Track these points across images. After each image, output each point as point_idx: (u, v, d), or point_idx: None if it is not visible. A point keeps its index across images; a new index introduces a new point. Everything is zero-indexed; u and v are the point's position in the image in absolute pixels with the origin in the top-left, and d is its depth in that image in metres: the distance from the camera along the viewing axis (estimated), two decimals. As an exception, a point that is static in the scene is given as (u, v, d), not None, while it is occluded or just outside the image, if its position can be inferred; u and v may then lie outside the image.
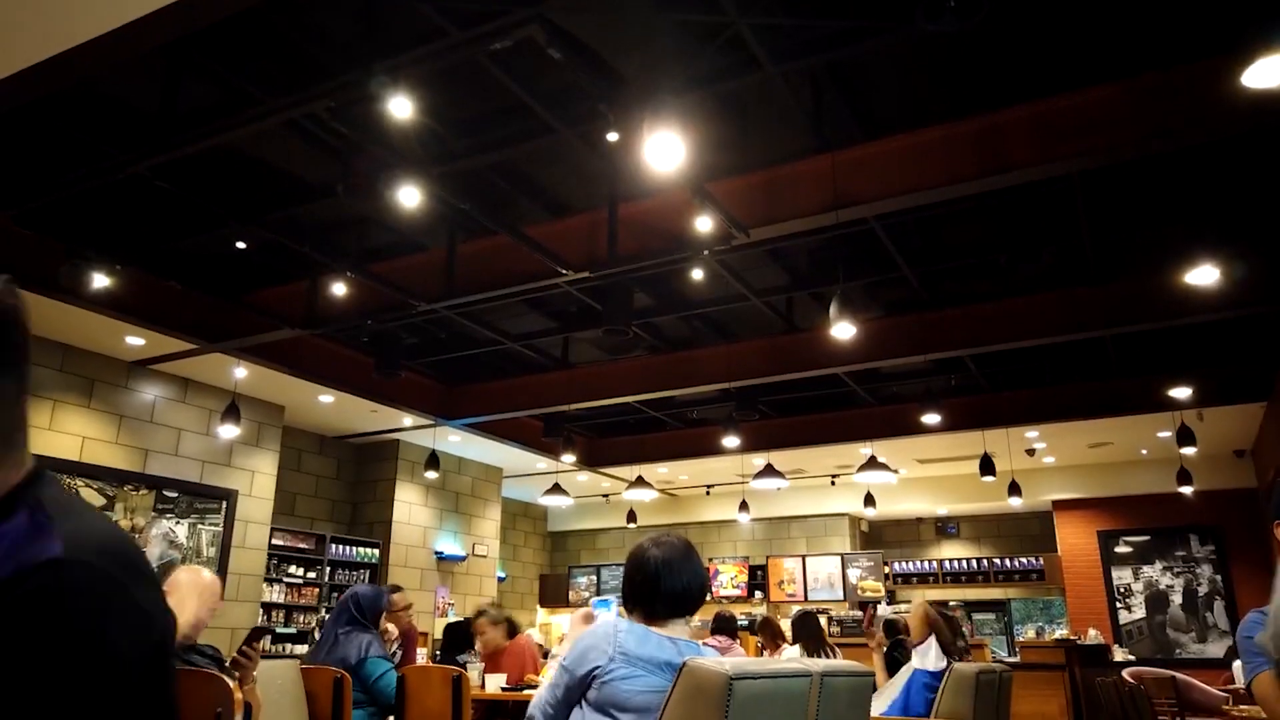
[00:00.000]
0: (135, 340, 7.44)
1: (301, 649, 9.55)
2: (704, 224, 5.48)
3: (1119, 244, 6.55)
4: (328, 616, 5.08)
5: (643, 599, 2.28)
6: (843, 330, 5.51)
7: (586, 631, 2.25)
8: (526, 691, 5.07)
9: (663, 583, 2.26)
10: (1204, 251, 5.52)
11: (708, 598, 13.67)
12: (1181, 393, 8.47)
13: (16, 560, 0.76)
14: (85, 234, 6.01)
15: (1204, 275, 5.67)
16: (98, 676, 0.76)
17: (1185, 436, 8.71)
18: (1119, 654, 10.49)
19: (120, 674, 0.77)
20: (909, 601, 12.86)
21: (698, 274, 6.88)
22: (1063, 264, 6.92)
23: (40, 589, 0.75)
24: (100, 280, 5.92)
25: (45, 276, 6.16)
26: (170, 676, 0.82)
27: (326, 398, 9.17)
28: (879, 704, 4.68)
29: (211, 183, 5.69)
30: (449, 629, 6.22)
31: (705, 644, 6.61)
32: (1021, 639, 11.93)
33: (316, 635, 9.37)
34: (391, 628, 4.93)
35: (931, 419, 8.66)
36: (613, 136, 5.01)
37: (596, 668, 2.12)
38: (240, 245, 6.59)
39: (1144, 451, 11.11)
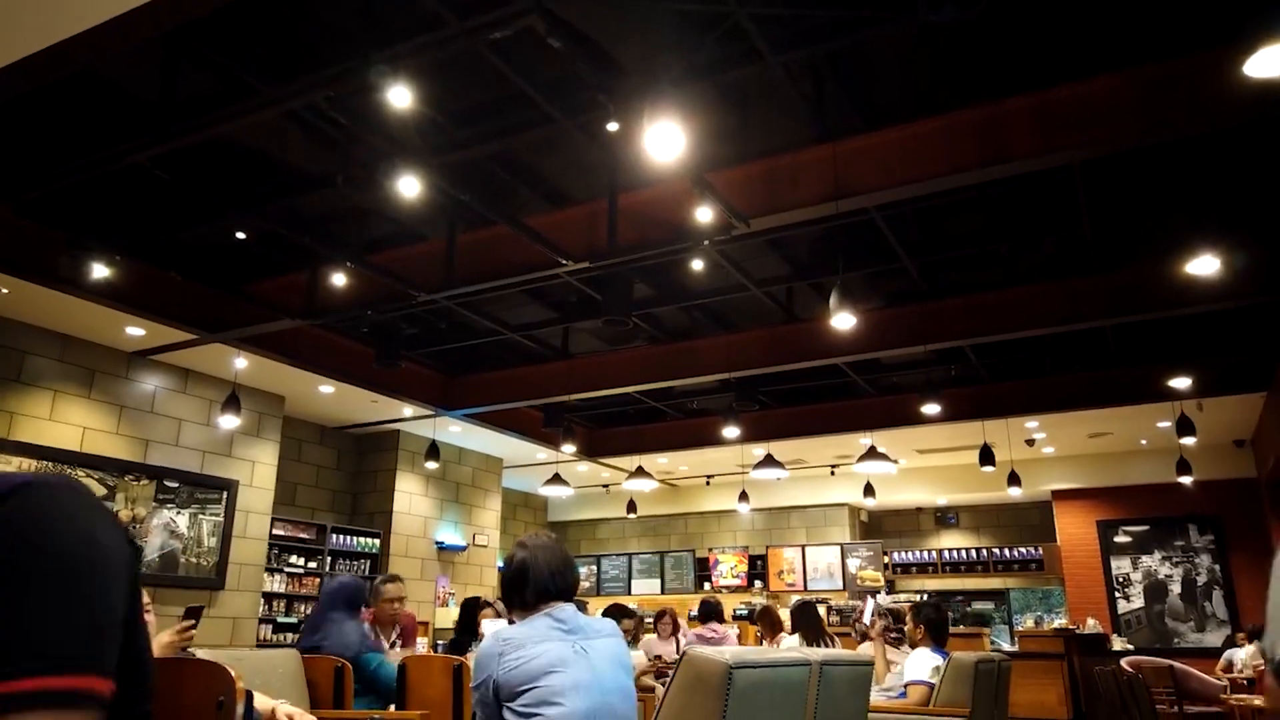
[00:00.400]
0: (135, 331, 7.44)
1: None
2: (704, 214, 5.48)
3: (1120, 234, 6.55)
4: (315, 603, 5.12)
5: (520, 593, 2.39)
6: (843, 320, 5.51)
7: (475, 656, 2.35)
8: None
9: (535, 575, 2.38)
10: (1205, 241, 5.51)
11: (706, 586, 13.73)
12: (1181, 383, 8.47)
13: None
14: (85, 224, 6.00)
15: (1205, 265, 5.68)
16: (95, 566, 0.82)
17: (1185, 426, 8.72)
18: (1117, 643, 10.53)
19: (113, 565, 0.84)
20: (909, 592, 12.92)
21: (698, 264, 6.87)
22: (1063, 254, 6.92)
23: (25, 500, 0.81)
24: (100, 271, 5.91)
25: (45, 267, 6.16)
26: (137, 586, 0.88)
27: (327, 388, 9.18)
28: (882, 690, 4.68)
29: (211, 173, 5.68)
30: (465, 604, 6.23)
31: (697, 634, 6.64)
32: (1020, 628, 11.98)
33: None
34: (387, 611, 4.94)
35: (931, 409, 8.67)
36: (613, 126, 5.00)
37: (490, 671, 2.21)
38: (240, 236, 6.59)
39: (1143, 441, 11.13)
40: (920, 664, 4.61)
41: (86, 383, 7.72)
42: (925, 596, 13.09)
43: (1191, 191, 5.88)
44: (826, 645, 5.88)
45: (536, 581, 2.38)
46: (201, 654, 1.24)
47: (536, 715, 2.12)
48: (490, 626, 3.84)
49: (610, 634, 2.40)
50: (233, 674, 1.21)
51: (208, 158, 5.51)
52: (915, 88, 5.23)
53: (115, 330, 7.45)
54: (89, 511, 0.86)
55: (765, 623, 6.73)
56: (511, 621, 2.52)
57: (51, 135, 5.23)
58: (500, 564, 12.60)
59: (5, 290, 6.59)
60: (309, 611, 10.01)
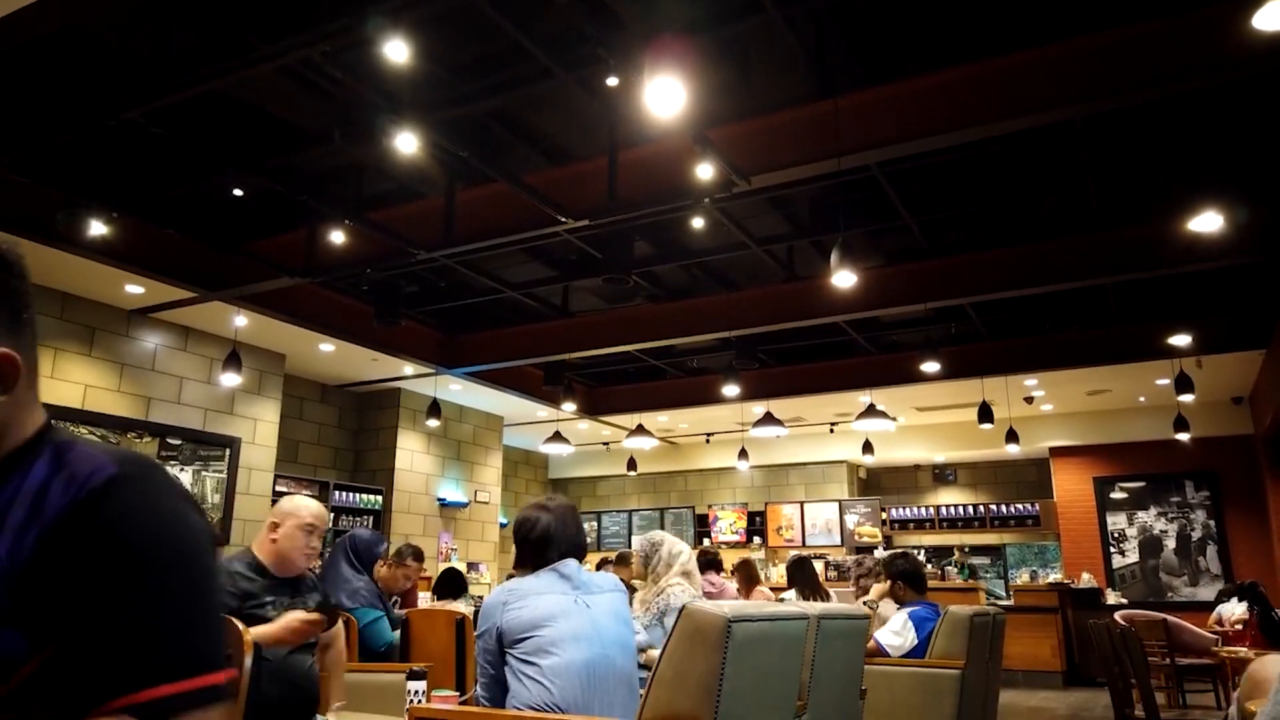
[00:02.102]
0: (134, 289, 7.43)
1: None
2: (704, 171, 5.43)
3: (1122, 191, 6.51)
4: (325, 555, 5.17)
5: (532, 553, 2.46)
6: (844, 279, 5.50)
7: (484, 603, 2.46)
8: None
9: (548, 539, 2.46)
10: (1207, 199, 5.47)
11: (705, 543, 13.86)
12: (1181, 340, 8.48)
13: (75, 487, 0.86)
14: (81, 181, 5.96)
15: (1207, 222, 5.64)
16: (203, 560, 0.88)
17: (1183, 384, 8.74)
18: (1111, 597, 10.67)
19: (210, 552, 0.90)
20: (906, 547, 13.05)
21: (698, 222, 6.84)
22: (1065, 211, 6.88)
23: (127, 499, 0.86)
24: (97, 228, 5.88)
25: (42, 224, 6.13)
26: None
27: (327, 346, 9.19)
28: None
29: (206, 129, 5.62)
30: (443, 576, 6.34)
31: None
32: (1016, 583, 12.13)
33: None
34: (400, 581, 5.00)
35: (931, 367, 8.69)
36: (613, 81, 4.94)
37: (495, 620, 2.28)
38: (237, 192, 6.55)
39: (1142, 399, 11.17)
40: (893, 625, 4.65)
41: (87, 340, 7.73)
42: (921, 552, 13.26)
43: (1195, 149, 5.83)
44: (822, 600, 5.96)
45: (559, 544, 2.45)
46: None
47: (534, 663, 2.17)
48: None
49: (612, 589, 2.44)
50: (240, 628, 1.23)
51: (203, 114, 5.45)
52: (919, 42, 5.16)
53: (114, 288, 7.43)
54: (181, 501, 0.91)
55: (742, 575, 6.78)
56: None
57: (45, 91, 5.17)
58: (503, 520, 12.75)
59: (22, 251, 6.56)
60: (316, 568, 10.12)
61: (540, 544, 2.46)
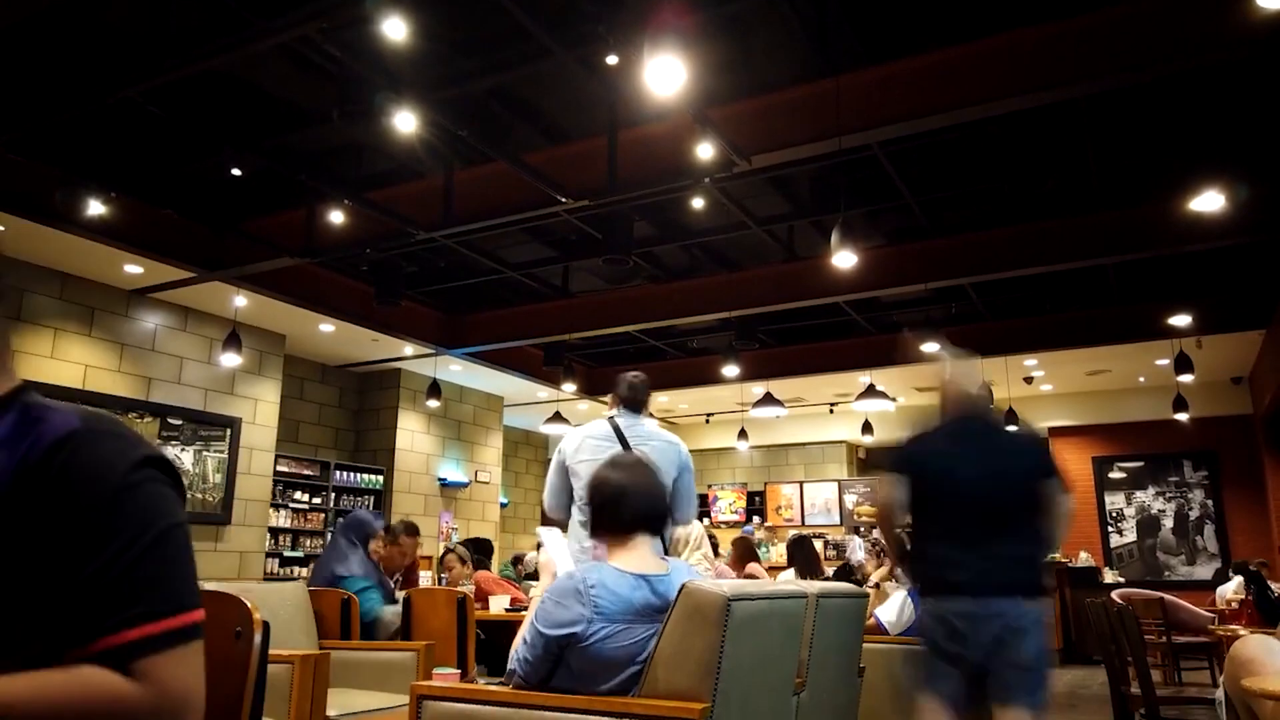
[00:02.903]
0: (133, 269, 7.42)
1: (307, 572, 9.75)
2: (705, 151, 5.41)
3: (1123, 171, 6.48)
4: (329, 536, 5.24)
5: (609, 519, 2.23)
6: (844, 259, 5.49)
7: (554, 589, 2.13)
8: (521, 613, 5.19)
9: (627, 501, 2.21)
10: (1208, 178, 5.46)
11: (705, 522, 13.92)
12: (1182, 320, 8.47)
13: (37, 438, 0.91)
14: (79, 161, 5.94)
15: (1209, 202, 5.63)
16: (152, 499, 0.92)
17: (1183, 364, 8.75)
18: (1109, 576, 10.74)
19: (166, 495, 0.94)
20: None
21: (698, 202, 6.81)
22: (1066, 191, 6.86)
23: (76, 448, 0.90)
24: (95, 207, 5.87)
25: (40, 204, 6.11)
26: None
27: (327, 326, 9.18)
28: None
29: (204, 108, 5.59)
30: (470, 544, 6.42)
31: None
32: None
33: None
34: (398, 559, 5.03)
35: (931, 347, 8.68)
36: (612, 60, 4.91)
37: (574, 633, 2.02)
38: (236, 172, 6.52)
39: (1141, 379, 11.18)
40: (891, 604, 4.69)
41: (87, 321, 7.73)
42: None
43: (1197, 128, 5.81)
44: (821, 579, 6.00)
45: (636, 510, 2.20)
46: (211, 586, 1.27)
47: (584, 689, 2.06)
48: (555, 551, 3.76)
49: None
50: (249, 605, 1.24)
51: (201, 93, 5.42)
52: (920, 20, 5.12)
53: (114, 268, 7.42)
54: (143, 449, 0.94)
55: (737, 551, 6.79)
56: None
57: (42, 69, 5.14)
58: (503, 500, 12.78)
59: (2, 228, 6.55)
60: (318, 547, 10.19)
61: (608, 508, 2.22)
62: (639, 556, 2.18)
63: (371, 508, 10.62)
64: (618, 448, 3.48)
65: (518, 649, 2.16)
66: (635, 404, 3.77)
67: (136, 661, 0.88)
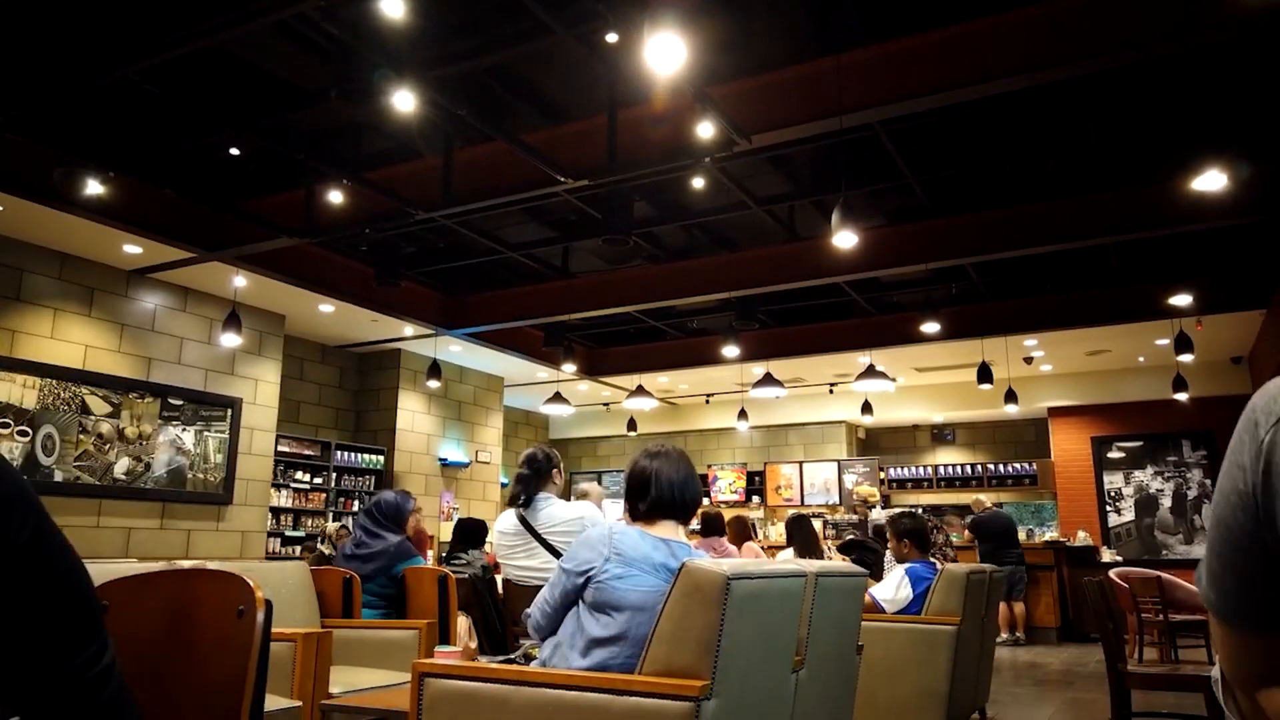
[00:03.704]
0: (132, 249, 7.40)
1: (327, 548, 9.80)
2: (705, 130, 5.38)
3: (1125, 151, 6.45)
4: (355, 522, 5.23)
5: (641, 502, 2.39)
6: (845, 239, 5.48)
7: (583, 536, 2.33)
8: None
9: (658, 488, 2.37)
10: (1210, 157, 5.44)
11: (705, 502, 13.97)
12: (1182, 300, 8.46)
13: None
14: (76, 140, 5.91)
15: (1211, 181, 5.61)
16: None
17: (1183, 344, 8.75)
18: (1107, 555, 10.79)
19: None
20: (904, 506, 13.15)
21: (698, 182, 6.79)
22: (1067, 171, 6.83)
23: None
24: (94, 187, 5.85)
25: (38, 184, 6.10)
26: None
27: (327, 307, 9.18)
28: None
29: (202, 88, 5.56)
30: (459, 525, 6.41)
31: (697, 548, 6.77)
32: (1012, 541, 12.20)
33: (325, 538, 9.60)
34: (414, 526, 5.07)
35: (931, 327, 8.69)
36: (612, 38, 4.87)
37: (592, 568, 2.20)
38: (234, 152, 6.49)
39: (1141, 359, 11.18)
40: (888, 583, 4.72)
41: (86, 301, 7.72)
42: (921, 510, 13.33)
43: (1199, 107, 5.77)
44: (821, 558, 6.03)
45: (666, 499, 2.36)
46: (213, 566, 1.28)
47: (605, 644, 2.15)
48: (505, 522, 3.93)
49: None
50: (251, 584, 1.25)
51: (198, 72, 5.39)
52: (923, -3, 5.08)
53: (113, 248, 7.41)
54: None
55: (734, 529, 6.82)
56: (524, 521, 2.46)
57: (37, 48, 5.10)
58: (504, 480, 12.83)
59: (1, 208, 6.53)
60: (318, 527, 10.23)
61: (642, 495, 2.37)
62: (664, 531, 2.37)
63: (373, 488, 10.66)
64: (525, 540, 3.78)
65: (541, 594, 2.34)
66: (523, 498, 3.85)
67: None
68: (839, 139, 5.73)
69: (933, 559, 4.99)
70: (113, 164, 6.03)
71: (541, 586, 3.66)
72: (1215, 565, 0.80)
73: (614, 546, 2.21)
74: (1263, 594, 0.75)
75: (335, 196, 6.77)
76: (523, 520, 3.82)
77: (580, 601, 2.23)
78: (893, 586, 4.66)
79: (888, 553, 5.22)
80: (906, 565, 4.77)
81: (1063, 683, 7.14)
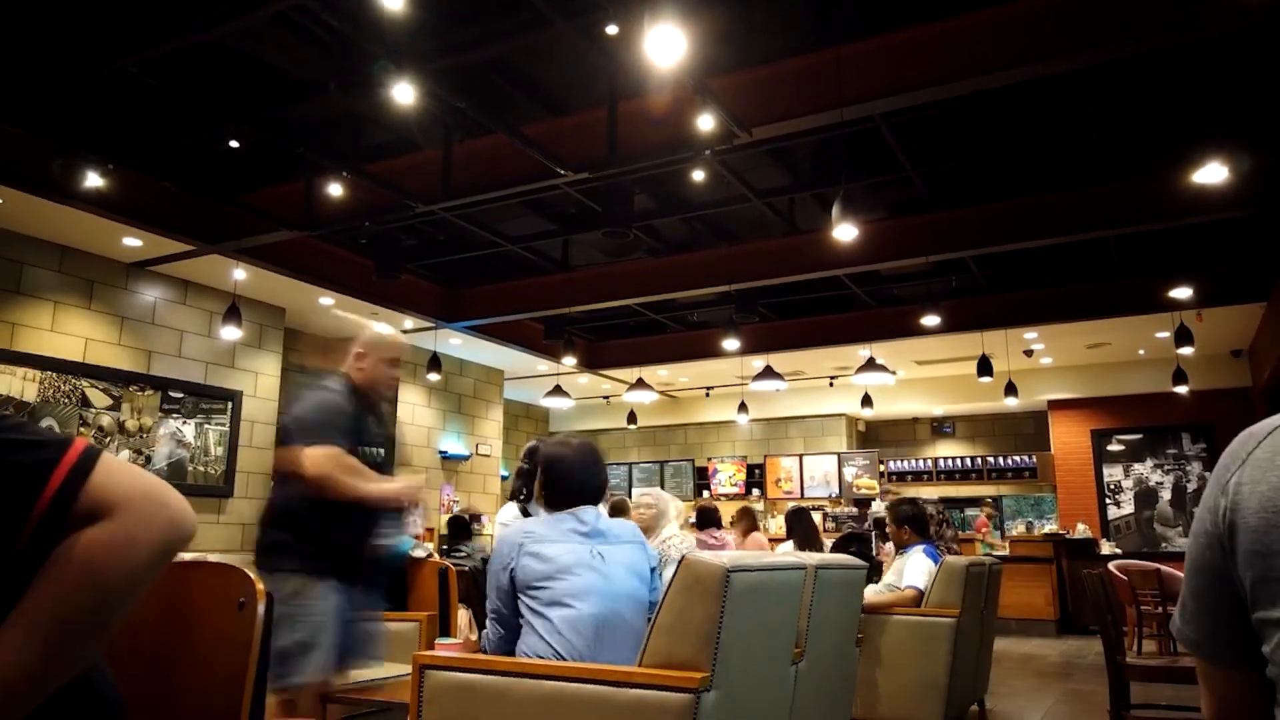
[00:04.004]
0: (132, 241, 7.40)
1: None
2: (705, 122, 5.38)
3: (1125, 143, 6.44)
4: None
5: (545, 491, 2.52)
6: (845, 232, 5.47)
7: (496, 542, 2.49)
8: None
9: (567, 477, 2.50)
10: (1211, 150, 5.42)
11: (705, 494, 13.99)
12: (1182, 293, 8.46)
13: None
14: (75, 133, 5.90)
15: (1212, 174, 5.60)
16: None
17: (1183, 337, 8.75)
18: (1106, 547, 10.81)
19: None
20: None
21: (698, 175, 6.78)
22: (1068, 164, 6.82)
23: None
24: (93, 180, 5.84)
25: (38, 176, 6.09)
26: None
27: (327, 300, 9.17)
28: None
29: (200, 80, 5.55)
30: (452, 521, 6.46)
31: (698, 539, 6.79)
32: (1012, 534, 12.26)
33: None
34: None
35: (931, 320, 8.68)
36: (612, 30, 4.86)
37: (511, 560, 2.30)
38: (233, 144, 6.48)
39: (1141, 352, 11.18)
40: (917, 568, 4.73)
41: (86, 294, 7.72)
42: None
43: (1199, 100, 5.76)
44: (820, 550, 6.03)
45: (566, 482, 2.47)
46: (214, 558, 1.28)
47: (545, 616, 2.20)
48: (506, 514, 3.96)
49: (630, 540, 2.46)
50: (252, 576, 1.26)
51: (197, 64, 5.38)
52: (924, -11, 5.06)
53: (112, 241, 7.40)
54: None
55: (744, 520, 6.83)
56: (527, 514, 2.59)
57: (36, 40, 5.09)
58: (504, 473, 12.85)
59: (0, 200, 6.53)
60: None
61: (557, 483, 2.48)
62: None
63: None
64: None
65: (488, 604, 2.41)
66: (524, 493, 3.98)
67: (76, 505, 0.87)
68: (839, 132, 5.71)
69: (936, 546, 5.02)
70: (112, 156, 6.02)
71: None
72: (1193, 605, 0.84)
73: (523, 534, 2.35)
74: (1239, 630, 0.79)
75: (335, 189, 6.76)
76: (525, 513, 3.84)
77: (520, 595, 2.31)
78: (922, 571, 4.67)
79: (888, 544, 5.24)
80: (920, 547, 4.79)
81: (1062, 675, 7.16)
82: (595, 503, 2.53)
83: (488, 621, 2.42)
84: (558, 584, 2.23)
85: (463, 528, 6.14)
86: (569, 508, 2.45)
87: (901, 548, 4.95)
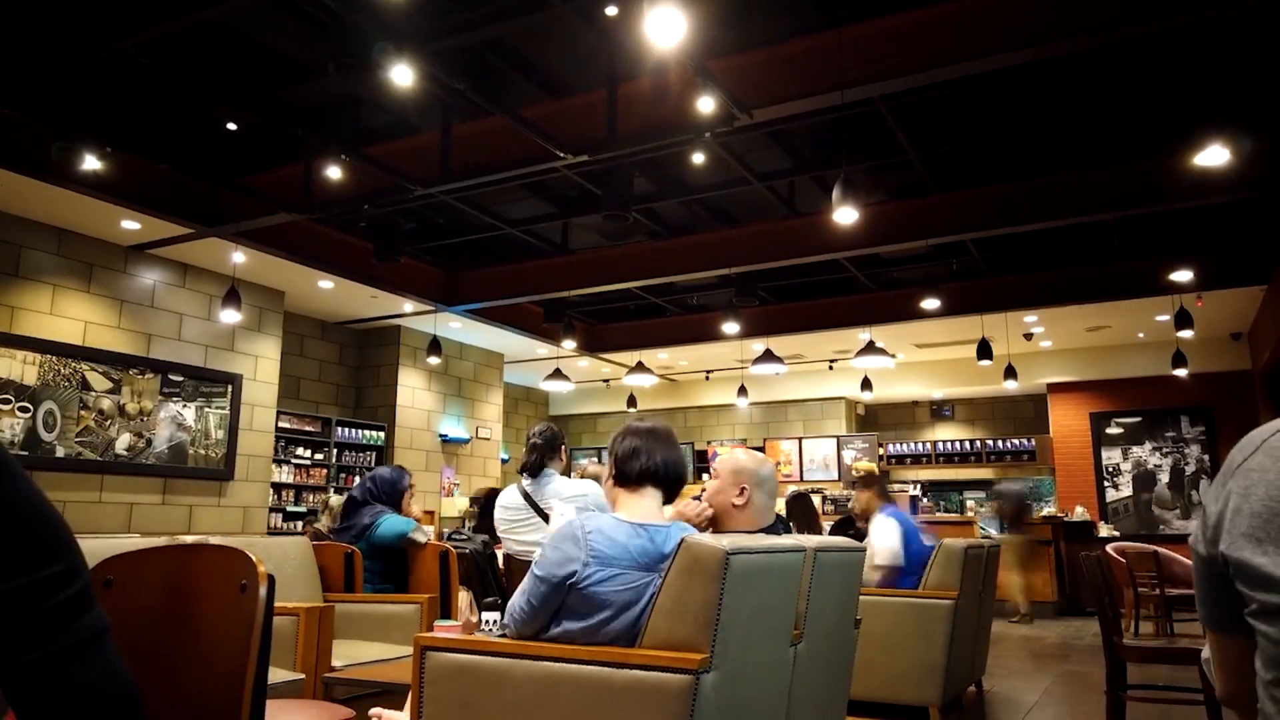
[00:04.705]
0: (130, 224, 7.38)
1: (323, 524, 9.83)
2: (705, 104, 5.35)
3: (1127, 126, 6.41)
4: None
5: (622, 472, 2.36)
6: (845, 215, 5.46)
7: (554, 536, 2.20)
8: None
9: (650, 458, 2.33)
10: (1212, 133, 5.40)
11: (704, 477, 14.01)
12: (1183, 276, 8.45)
13: None
14: (73, 115, 5.87)
15: (1213, 156, 5.58)
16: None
17: (1183, 320, 8.74)
18: (1104, 530, 10.84)
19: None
20: (902, 482, 13.21)
21: (698, 157, 6.76)
22: (1069, 146, 6.79)
23: None
24: (91, 162, 5.82)
25: (35, 158, 6.06)
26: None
27: (326, 283, 9.16)
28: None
29: (198, 61, 5.52)
30: (477, 498, 6.45)
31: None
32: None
33: (326, 509, 9.64)
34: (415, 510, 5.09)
35: (931, 304, 8.68)
36: (611, 10, 4.83)
37: (573, 572, 2.07)
38: (231, 126, 6.46)
39: (1141, 335, 11.18)
40: (882, 536, 4.79)
41: (85, 277, 7.71)
42: (918, 486, 13.43)
43: (1201, 82, 5.73)
44: (819, 533, 6.06)
45: (644, 461, 2.32)
46: (216, 540, 1.29)
47: (586, 628, 2.09)
48: (508, 498, 3.94)
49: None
50: (254, 558, 1.26)
51: (194, 45, 5.34)
52: (925, -31, 5.03)
53: (111, 224, 7.38)
54: None
55: (799, 511, 6.91)
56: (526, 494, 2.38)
57: (31, 22, 5.05)
58: (504, 456, 12.87)
59: (-4, 184, 6.51)
60: (321, 500, 10.28)
61: (628, 461, 2.33)
62: (643, 509, 2.28)
63: (373, 463, 10.69)
64: (527, 515, 3.82)
65: (514, 600, 2.22)
66: (536, 466, 3.93)
67: None
68: (840, 114, 5.69)
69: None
70: (110, 139, 5.99)
71: None
72: (1200, 587, 1.08)
73: (590, 548, 2.09)
74: (1229, 604, 1.01)
75: (334, 172, 6.74)
76: (526, 495, 3.85)
77: (563, 605, 2.12)
78: (884, 536, 4.75)
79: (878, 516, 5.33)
80: (882, 512, 4.91)
81: (1059, 656, 7.20)
82: (669, 493, 2.37)
83: (515, 616, 2.20)
84: (611, 619, 2.07)
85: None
86: (636, 486, 2.31)
87: (868, 513, 5.09)
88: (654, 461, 2.33)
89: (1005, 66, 5.07)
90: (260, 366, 9.20)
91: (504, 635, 2.23)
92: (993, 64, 4.98)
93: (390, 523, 4.45)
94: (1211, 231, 8.20)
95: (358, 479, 10.46)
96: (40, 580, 0.85)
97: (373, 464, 10.72)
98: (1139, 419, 11.97)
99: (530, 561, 3.72)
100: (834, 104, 5.33)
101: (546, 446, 3.92)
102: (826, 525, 7.18)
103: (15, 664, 0.83)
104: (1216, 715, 3.78)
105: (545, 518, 3.78)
